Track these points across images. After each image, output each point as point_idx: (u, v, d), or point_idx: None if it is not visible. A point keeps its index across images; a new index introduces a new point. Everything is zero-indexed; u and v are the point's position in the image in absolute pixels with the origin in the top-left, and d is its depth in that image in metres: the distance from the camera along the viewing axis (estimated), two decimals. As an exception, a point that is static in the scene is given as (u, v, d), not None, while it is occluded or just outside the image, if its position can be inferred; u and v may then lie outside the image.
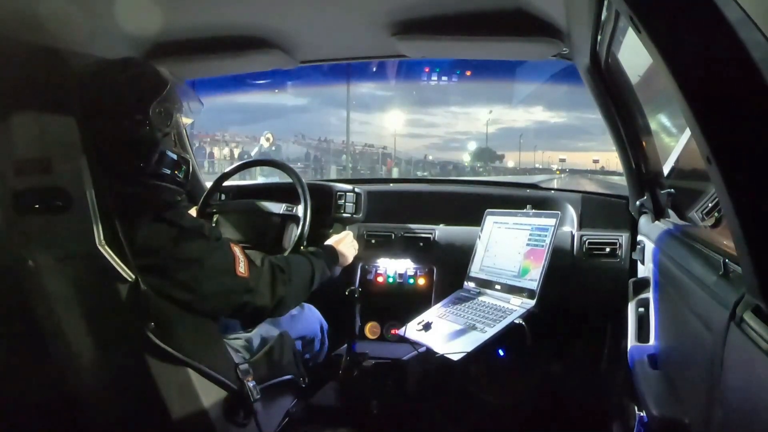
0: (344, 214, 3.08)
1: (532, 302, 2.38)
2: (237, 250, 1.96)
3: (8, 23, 1.79)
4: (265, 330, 2.32)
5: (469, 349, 2.19)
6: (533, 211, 2.70)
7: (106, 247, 1.59)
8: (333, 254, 2.56)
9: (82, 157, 1.57)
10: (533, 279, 2.43)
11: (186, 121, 2.08)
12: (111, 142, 1.75)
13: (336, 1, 2.16)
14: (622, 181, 2.81)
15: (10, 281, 1.61)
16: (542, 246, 2.48)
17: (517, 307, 2.40)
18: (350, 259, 2.70)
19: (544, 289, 2.38)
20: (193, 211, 2.81)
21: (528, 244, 2.55)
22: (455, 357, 2.18)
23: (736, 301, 1.22)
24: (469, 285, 2.75)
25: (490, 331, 2.26)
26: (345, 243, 2.70)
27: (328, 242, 2.64)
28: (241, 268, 1.92)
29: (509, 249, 2.63)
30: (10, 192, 1.56)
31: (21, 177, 1.56)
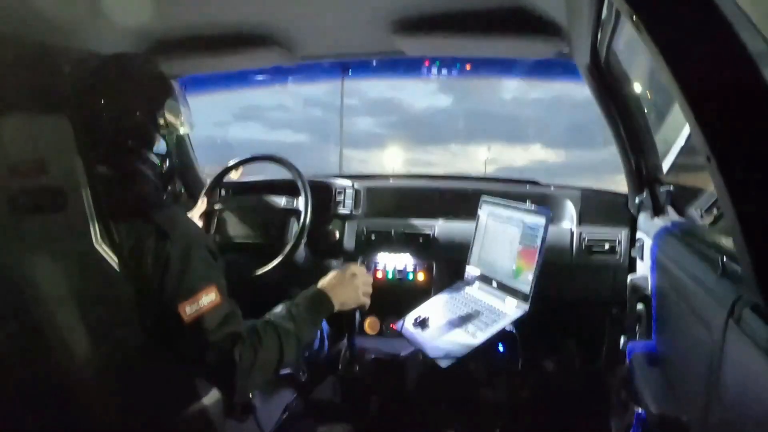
0: (343, 211, 3.08)
1: (525, 306, 2.37)
2: (215, 295, 1.69)
3: (2, 20, 1.79)
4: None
5: (459, 355, 2.22)
6: (531, 207, 2.70)
7: (103, 246, 1.59)
8: (323, 306, 2.03)
9: (76, 157, 1.57)
10: (527, 282, 2.41)
11: (184, 124, 2.04)
12: (110, 136, 1.75)
13: None
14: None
15: (6, 282, 1.61)
16: (534, 246, 2.45)
17: (512, 309, 2.40)
18: (353, 303, 2.12)
19: (541, 287, 2.37)
20: (196, 212, 2.81)
21: (521, 243, 2.52)
22: (444, 363, 2.21)
23: (734, 299, 1.22)
24: (469, 275, 2.76)
25: (481, 337, 2.27)
26: (345, 283, 2.10)
27: (326, 280, 2.09)
28: (191, 310, 1.65)
29: (503, 245, 2.62)
30: (5, 192, 1.55)
31: (15, 177, 1.55)
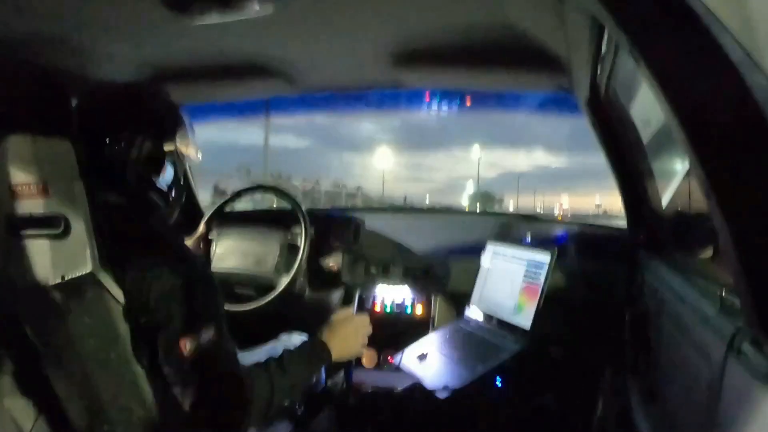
0: (342, 242, 3.08)
1: (524, 341, 2.39)
2: (213, 332, 1.64)
3: (8, 45, 1.81)
4: (259, 358, 2.30)
5: (457, 386, 2.22)
6: (530, 242, 2.71)
7: (103, 272, 1.59)
8: (321, 358, 1.99)
9: (79, 182, 1.57)
10: (528, 317, 2.43)
11: (194, 155, 2.04)
12: (120, 165, 1.75)
13: (338, 31, 2.18)
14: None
15: (4, 306, 1.60)
16: (537, 283, 2.48)
17: (511, 344, 2.41)
18: (353, 354, 2.14)
19: (541, 322, 2.38)
20: (194, 240, 2.80)
21: (524, 280, 2.55)
22: (442, 394, 2.22)
23: (734, 332, 1.22)
24: (469, 315, 2.75)
25: (480, 369, 2.28)
26: (348, 336, 2.06)
27: (329, 330, 2.05)
28: (191, 345, 1.61)
29: (507, 282, 2.63)
30: (6, 216, 1.55)
31: (17, 201, 1.55)
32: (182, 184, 1.94)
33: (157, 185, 1.85)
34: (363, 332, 2.10)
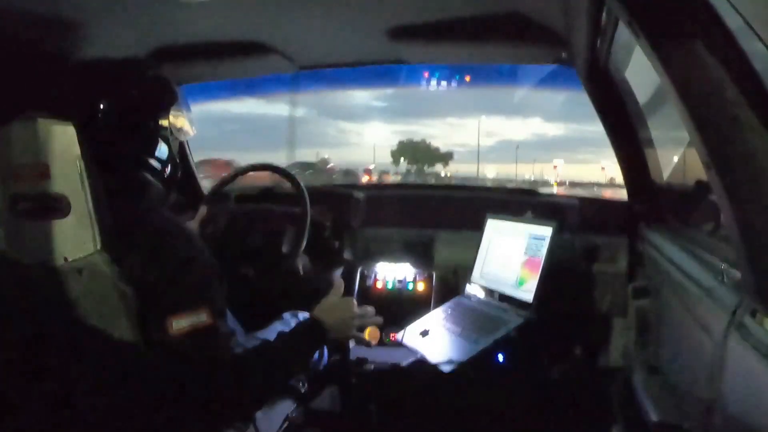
0: (343, 220, 3.08)
1: (527, 315, 2.39)
2: (206, 315, 1.62)
3: (9, 26, 1.79)
4: (263, 336, 2.30)
5: (461, 360, 2.23)
6: (531, 217, 2.71)
7: (104, 254, 1.59)
8: (319, 339, 1.98)
9: (80, 163, 1.57)
10: (530, 290, 2.43)
11: (188, 130, 2.03)
12: (114, 142, 1.74)
13: (336, 7, 2.16)
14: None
15: (6, 288, 1.60)
16: (539, 256, 2.48)
17: (513, 317, 2.40)
18: (342, 336, 2.10)
19: (542, 296, 2.38)
20: (196, 220, 2.79)
21: (526, 253, 2.54)
22: (446, 368, 2.22)
23: (735, 305, 1.22)
24: (470, 291, 2.76)
25: (483, 342, 2.28)
26: (339, 312, 2.04)
27: (320, 308, 2.03)
28: (178, 326, 1.58)
29: (508, 257, 2.63)
30: (8, 198, 1.55)
31: (19, 182, 1.55)
32: (177, 161, 1.93)
33: (151, 163, 1.83)
34: (348, 316, 2.06)
